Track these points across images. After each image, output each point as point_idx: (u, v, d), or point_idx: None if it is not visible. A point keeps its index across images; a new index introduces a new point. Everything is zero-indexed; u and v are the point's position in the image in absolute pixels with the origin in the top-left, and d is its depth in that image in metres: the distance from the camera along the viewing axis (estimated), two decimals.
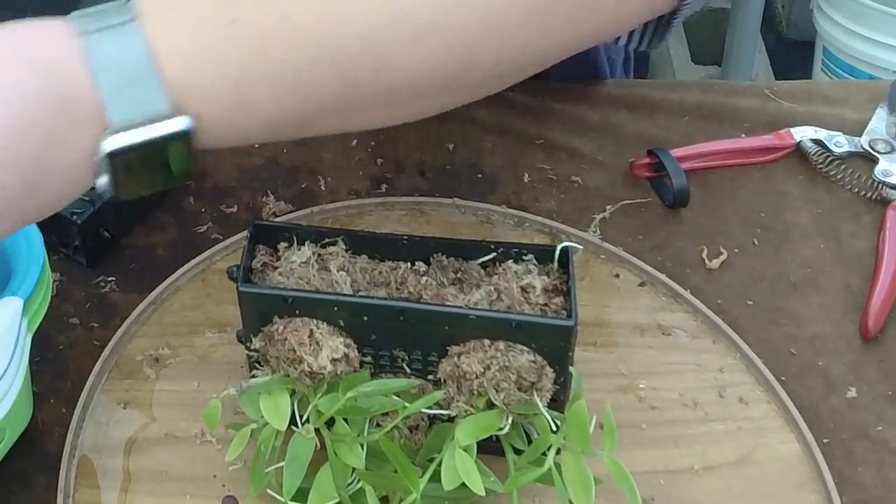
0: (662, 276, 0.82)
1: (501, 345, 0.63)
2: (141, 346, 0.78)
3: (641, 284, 0.82)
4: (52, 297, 0.79)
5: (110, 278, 0.83)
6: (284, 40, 0.55)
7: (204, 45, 0.55)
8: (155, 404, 0.75)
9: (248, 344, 0.66)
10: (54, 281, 0.82)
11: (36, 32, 0.54)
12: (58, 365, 0.78)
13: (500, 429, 0.64)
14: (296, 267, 0.66)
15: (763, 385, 0.76)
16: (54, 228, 0.83)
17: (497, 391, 0.63)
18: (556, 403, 0.65)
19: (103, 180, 0.55)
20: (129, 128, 0.53)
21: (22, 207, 0.55)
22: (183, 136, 0.55)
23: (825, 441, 0.74)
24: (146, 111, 0.54)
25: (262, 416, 0.65)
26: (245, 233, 0.69)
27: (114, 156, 0.54)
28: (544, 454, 0.63)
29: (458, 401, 0.65)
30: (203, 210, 0.88)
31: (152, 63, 0.53)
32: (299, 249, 0.67)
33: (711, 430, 0.74)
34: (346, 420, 0.65)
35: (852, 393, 0.77)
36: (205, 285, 0.82)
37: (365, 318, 0.64)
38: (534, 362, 0.63)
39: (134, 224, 0.86)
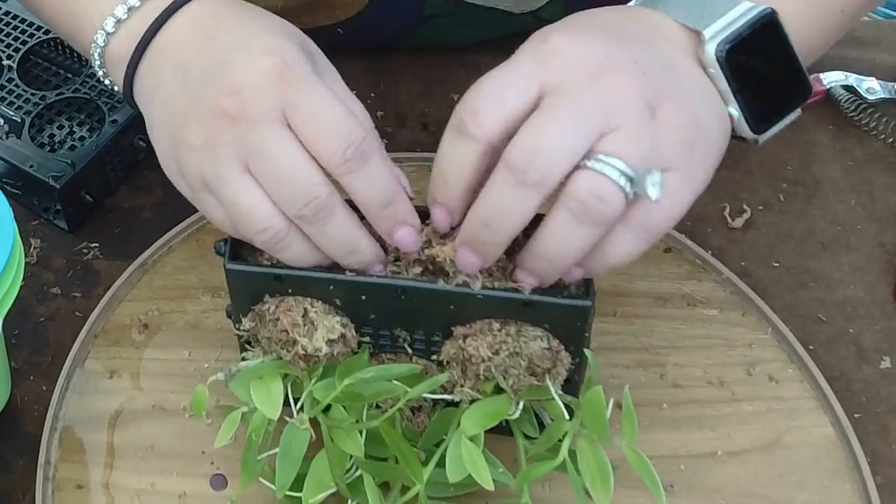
0: (689, 242, 0.76)
1: (512, 329, 0.58)
2: (129, 311, 0.74)
3: (667, 250, 0.77)
4: (31, 264, 0.75)
5: (93, 244, 0.78)
6: None
7: None
8: (143, 374, 0.71)
9: (237, 324, 0.62)
10: (33, 248, 0.77)
11: None
12: (37, 338, 0.73)
13: (510, 414, 0.59)
14: None
15: (796, 362, 0.71)
16: (34, 192, 0.78)
17: (506, 377, 0.58)
18: (570, 385, 0.60)
19: (733, 109, 0.58)
20: (717, 26, 0.57)
21: None
22: (773, 22, 0.58)
23: (856, 416, 0.70)
24: (723, 9, 0.58)
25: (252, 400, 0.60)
26: None
27: (723, 58, 0.57)
28: (560, 440, 0.58)
29: (463, 385, 0.60)
30: None
31: None
32: None
33: (738, 412, 0.69)
34: (344, 406, 0.60)
35: (886, 363, 0.72)
36: (199, 246, 0.77)
37: (363, 297, 0.59)
38: (548, 349, 0.58)
39: (118, 185, 0.81)
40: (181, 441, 0.68)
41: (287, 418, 0.60)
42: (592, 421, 0.56)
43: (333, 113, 0.55)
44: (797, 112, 0.59)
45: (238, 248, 0.60)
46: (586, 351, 0.58)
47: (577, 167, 0.52)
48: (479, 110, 0.53)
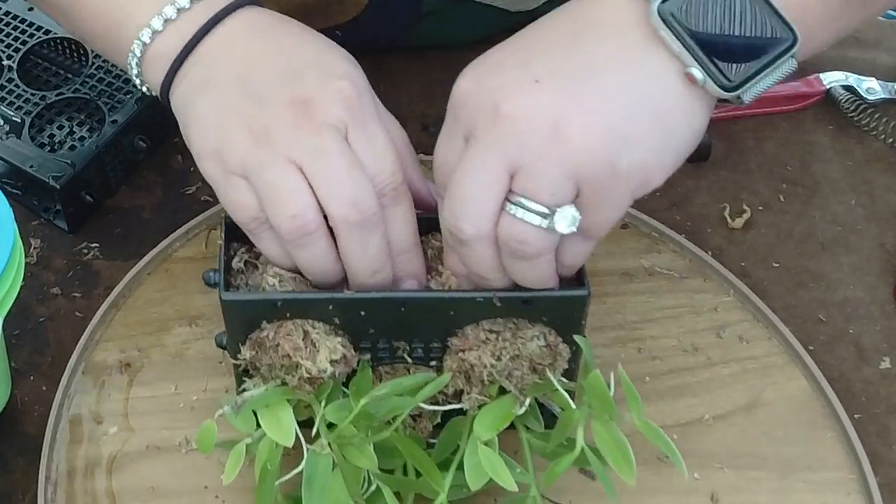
0: (644, 216, 0.78)
1: (508, 333, 0.58)
2: (107, 351, 0.72)
3: (624, 226, 0.78)
4: (31, 264, 0.75)
5: (93, 244, 0.78)
6: None
7: None
8: (131, 414, 0.69)
9: (236, 353, 0.61)
10: (34, 248, 0.77)
11: None
12: (37, 338, 0.73)
13: (517, 413, 0.60)
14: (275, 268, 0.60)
15: (762, 321, 0.73)
16: (34, 192, 0.78)
17: (509, 379, 0.59)
18: (568, 372, 0.61)
19: (696, 71, 0.53)
20: None
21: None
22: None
23: (856, 416, 0.69)
24: None
25: (256, 430, 0.60)
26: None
27: (672, 17, 0.52)
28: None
29: (469, 393, 0.60)
30: (192, 169, 0.82)
31: None
32: None
33: (716, 376, 0.71)
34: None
35: (886, 363, 0.72)
36: (168, 276, 0.76)
37: (362, 313, 0.59)
38: (545, 346, 0.59)
39: (118, 186, 0.81)
40: (181, 478, 0.67)
41: (307, 445, 0.59)
42: (598, 402, 0.57)
43: (386, 150, 0.58)
44: (788, 65, 0.54)
45: (228, 277, 0.60)
46: (577, 338, 0.59)
47: (502, 208, 0.54)
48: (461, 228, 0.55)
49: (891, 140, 0.84)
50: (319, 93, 0.57)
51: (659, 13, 0.52)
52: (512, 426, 0.61)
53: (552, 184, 0.52)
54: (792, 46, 0.53)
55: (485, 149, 0.53)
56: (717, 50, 0.52)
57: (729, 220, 0.79)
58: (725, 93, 0.53)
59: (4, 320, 0.62)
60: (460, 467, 0.59)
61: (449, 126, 0.56)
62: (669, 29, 0.52)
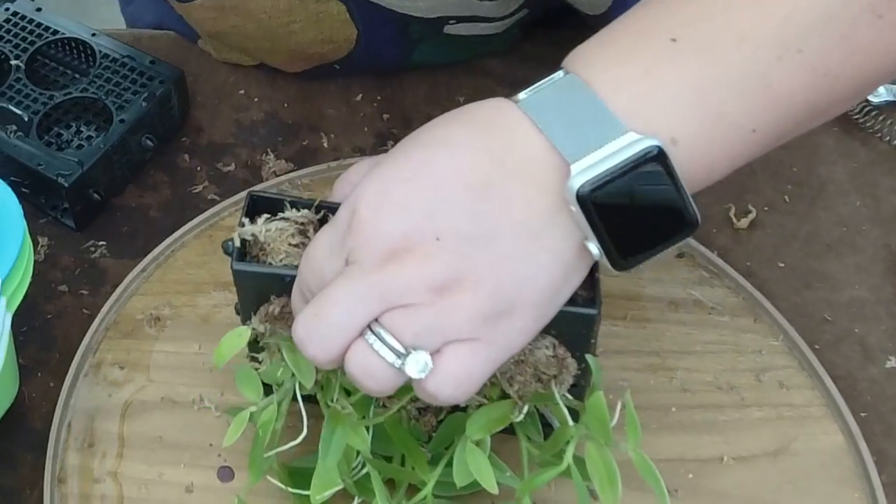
0: (702, 248, 0.76)
1: None
2: (142, 305, 0.74)
3: (679, 256, 0.76)
4: (39, 262, 0.76)
5: (101, 242, 0.78)
6: (738, 44, 0.52)
7: (648, 67, 0.52)
8: (153, 366, 0.71)
9: (246, 321, 0.61)
10: (41, 246, 0.77)
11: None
12: (44, 335, 0.73)
13: (514, 419, 0.59)
14: (286, 246, 0.60)
15: (807, 370, 0.71)
16: (41, 190, 0.78)
17: (511, 383, 0.58)
18: (577, 389, 0.60)
19: (593, 246, 0.52)
20: (589, 160, 0.51)
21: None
22: (657, 158, 0.51)
23: (862, 415, 0.70)
24: (602, 140, 0.51)
25: (261, 399, 0.60)
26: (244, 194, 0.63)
27: (586, 199, 0.50)
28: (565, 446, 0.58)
29: None
30: (199, 168, 0.83)
31: (596, 98, 0.51)
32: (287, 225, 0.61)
33: (746, 417, 0.69)
34: (347, 394, 0.60)
35: (892, 362, 0.73)
36: (211, 242, 0.77)
37: None
38: (553, 356, 0.58)
39: (125, 184, 0.81)
40: (189, 433, 0.68)
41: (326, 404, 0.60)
42: (596, 425, 0.56)
43: None
44: (679, 243, 0.53)
45: (245, 248, 0.60)
46: (588, 357, 0.58)
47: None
48: (308, 287, 0.54)
49: (895, 142, 0.84)
50: None
51: (576, 190, 0.50)
52: (515, 433, 0.61)
53: (421, 327, 0.51)
54: (692, 231, 0.53)
55: (368, 286, 0.51)
56: (621, 233, 0.52)
57: (734, 220, 0.79)
58: (615, 270, 0.53)
59: (13, 317, 0.62)
60: (450, 463, 0.59)
61: (336, 233, 0.53)
62: (581, 206, 0.50)
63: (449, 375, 0.52)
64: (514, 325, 0.52)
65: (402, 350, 0.51)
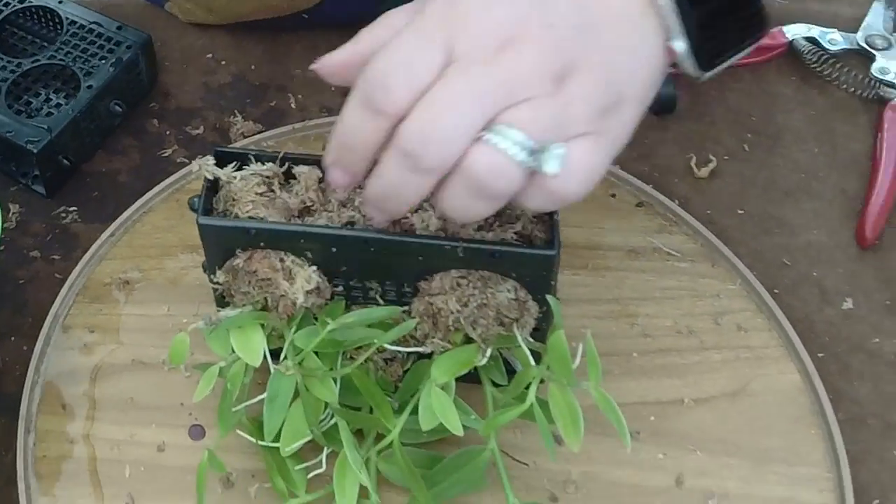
0: (661, 196, 0.77)
1: (478, 282, 0.59)
2: (110, 269, 0.75)
3: (638, 205, 0.78)
4: (10, 229, 0.77)
5: (71, 208, 0.79)
6: None
7: None
8: (122, 329, 0.73)
9: (211, 276, 0.63)
10: (13, 213, 0.78)
11: None
12: (17, 300, 0.75)
13: (478, 362, 0.61)
14: (253, 195, 0.62)
15: (764, 312, 0.72)
16: (11, 158, 0.79)
17: (474, 327, 0.60)
18: (539, 332, 0.62)
19: (680, 43, 0.53)
20: None
21: None
22: None
23: (819, 355, 0.71)
24: None
25: (230, 354, 0.62)
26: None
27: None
28: (528, 387, 0.59)
29: (433, 337, 0.61)
30: (167, 132, 0.84)
31: None
32: (252, 175, 0.62)
33: (706, 360, 0.70)
34: (316, 353, 0.62)
35: (848, 304, 0.74)
36: (178, 206, 0.78)
37: (333, 250, 0.60)
38: (514, 299, 0.59)
39: (95, 150, 0.82)
40: (160, 393, 0.70)
41: (274, 364, 0.62)
42: (557, 365, 0.57)
43: None
44: (748, 49, 0.56)
45: (211, 204, 0.62)
46: (549, 297, 0.59)
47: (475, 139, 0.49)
48: (389, 85, 0.50)
49: (852, 89, 0.85)
50: None
51: None
52: (479, 380, 0.63)
53: (548, 121, 0.49)
54: (764, 28, 0.55)
55: (490, 79, 0.48)
56: (705, 30, 0.53)
57: (695, 169, 0.81)
58: (696, 71, 0.54)
59: None
60: (416, 410, 0.60)
61: (424, 25, 0.50)
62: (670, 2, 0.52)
63: (579, 170, 0.50)
64: (622, 118, 0.52)
65: (532, 145, 0.49)
